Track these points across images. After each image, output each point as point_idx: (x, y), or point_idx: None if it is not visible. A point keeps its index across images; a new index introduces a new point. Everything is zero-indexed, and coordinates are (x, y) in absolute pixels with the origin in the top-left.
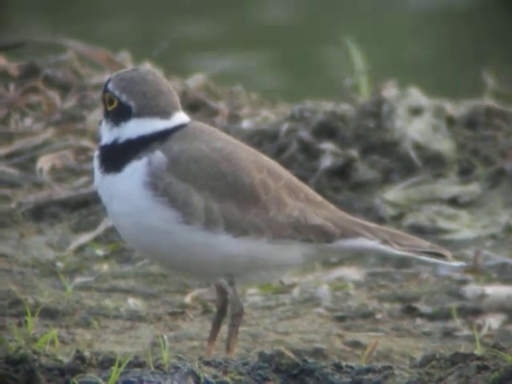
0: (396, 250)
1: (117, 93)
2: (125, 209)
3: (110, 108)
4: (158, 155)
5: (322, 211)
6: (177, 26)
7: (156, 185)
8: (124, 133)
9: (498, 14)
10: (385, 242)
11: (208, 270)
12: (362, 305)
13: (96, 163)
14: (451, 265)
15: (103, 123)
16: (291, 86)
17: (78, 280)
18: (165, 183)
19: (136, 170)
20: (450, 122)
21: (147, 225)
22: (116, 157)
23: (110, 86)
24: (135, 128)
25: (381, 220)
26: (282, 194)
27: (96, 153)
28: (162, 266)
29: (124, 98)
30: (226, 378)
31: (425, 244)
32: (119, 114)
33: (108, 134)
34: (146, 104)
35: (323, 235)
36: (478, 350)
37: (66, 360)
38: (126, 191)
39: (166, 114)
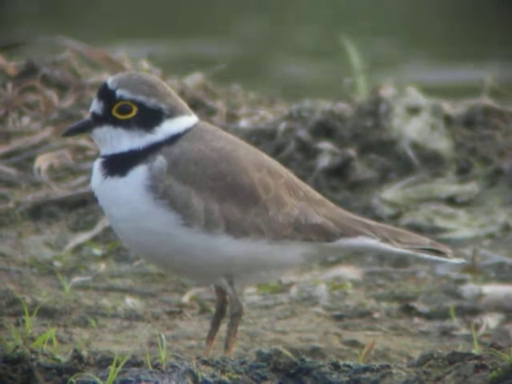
0: (396, 248)
1: (141, 98)
2: (126, 212)
3: (123, 117)
4: (159, 158)
5: (321, 209)
6: None
7: (156, 187)
8: (157, 135)
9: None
10: (385, 240)
11: (208, 272)
12: (359, 304)
13: (103, 170)
14: (452, 262)
15: (112, 130)
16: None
17: (76, 279)
18: (165, 185)
19: (138, 174)
20: (448, 121)
21: (148, 228)
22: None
23: (127, 94)
24: (170, 128)
25: (378, 219)
26: (282, 192)
27: (100, 159)
28: (160, 268)
29: (153, 101)
30: (224, 377)
31: (425, 241)
32: (146, 119)
33: (135, 140)
34: (176, 104)
35: (324, 234)
36: (476, 350)
37: (64, 359)
38: (127, 194)
39: (188, 111)
